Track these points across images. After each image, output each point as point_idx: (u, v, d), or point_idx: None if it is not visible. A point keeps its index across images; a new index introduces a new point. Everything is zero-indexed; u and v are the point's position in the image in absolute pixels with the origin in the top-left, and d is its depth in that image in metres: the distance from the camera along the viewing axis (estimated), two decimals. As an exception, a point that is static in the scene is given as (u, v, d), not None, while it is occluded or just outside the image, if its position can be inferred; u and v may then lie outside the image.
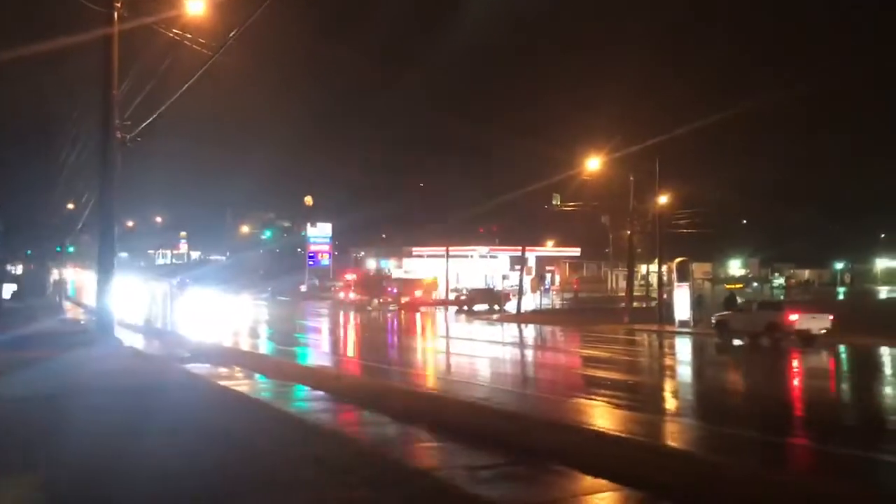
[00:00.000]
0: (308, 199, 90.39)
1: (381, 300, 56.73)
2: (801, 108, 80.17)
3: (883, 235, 79.80)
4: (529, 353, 29.00)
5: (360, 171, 79.88)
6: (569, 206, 47.48)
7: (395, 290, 58.52)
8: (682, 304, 36.87)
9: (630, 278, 43.85)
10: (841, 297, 63.72)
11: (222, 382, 13.93)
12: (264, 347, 28.10)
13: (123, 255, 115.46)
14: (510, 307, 51.87)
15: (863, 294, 63.62)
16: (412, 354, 27.84)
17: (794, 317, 26.33)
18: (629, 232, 46.33)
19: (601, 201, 48.69)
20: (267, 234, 77.18)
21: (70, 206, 45.03)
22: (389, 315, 49.95)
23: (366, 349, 29.08)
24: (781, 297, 57.81)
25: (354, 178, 79.53)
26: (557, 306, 55.22)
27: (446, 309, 56.27)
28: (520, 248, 70.57)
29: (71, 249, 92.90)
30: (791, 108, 78.49)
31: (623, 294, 51.78)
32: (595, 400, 15.55)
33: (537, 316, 46.02)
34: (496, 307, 53.77)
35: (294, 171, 76.37)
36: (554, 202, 56.33)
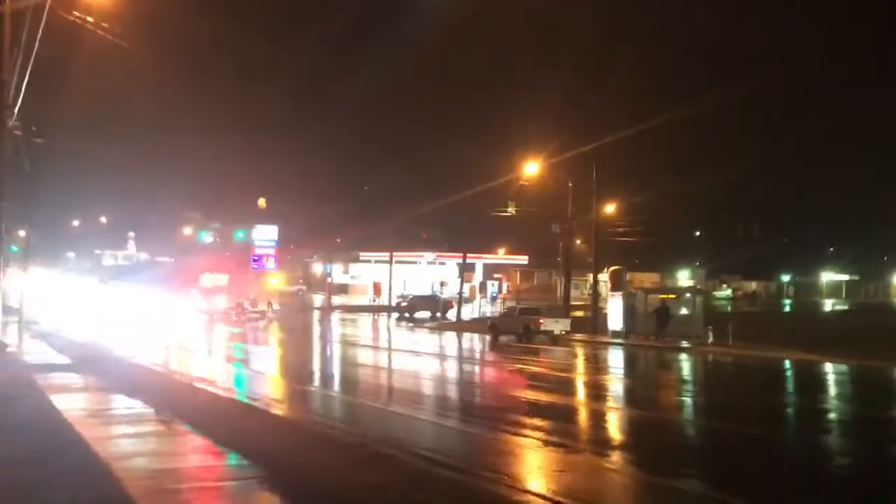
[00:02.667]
0: (262, 202, 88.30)
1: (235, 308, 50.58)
2: (755, 120, 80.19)
3: (832, 249, 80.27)
4: (438, 364, 27.67)
5: (310, 174, 78.05)
6: (506, 212, 46.51)
7: (251, 297, 53.86)
8: (615, 314, 36.14)
9: (567, 287, 43.04)
10: (787, 308, 63.85)
11: (54, 396, 12.57)
12: (146, 354, 25.70)
13: (71, 254, 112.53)
14: (452, 315, 50.93)
15: (802, 306, 63.73)
16: (286, 366, 25.94)
17: (542, 321, 33.54)
18: (573, 240, 45.78)
19: (550, 208, 47.86)
20: (201, 236, 75.11)
21: None
22: (251, 324, 45.22)
23: (239, 359, 27.28)
24: (729, 309, 57.76)
25: (305, 180, 77.77)
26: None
27: (389, 316, 55.12)
28: (473, 255, 69.80)
29: (14, 249, 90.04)
30: (744, 120, 78.45)
31: (572, 301, 51.21)
32: (480, 424, 14.15)
33: (475, 325, 44.93)
34: (438, 314, 52.77)
35: (241, 172, 74.27)
36: (509, 209, 55.41)
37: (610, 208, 50.93)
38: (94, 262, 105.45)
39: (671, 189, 65.85)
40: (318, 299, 68.37)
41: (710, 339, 30.90)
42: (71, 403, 12.15)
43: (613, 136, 40.27)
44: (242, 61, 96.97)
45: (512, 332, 34.19)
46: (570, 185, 41.44)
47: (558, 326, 33.89)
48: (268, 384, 20.20)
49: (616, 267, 37.49)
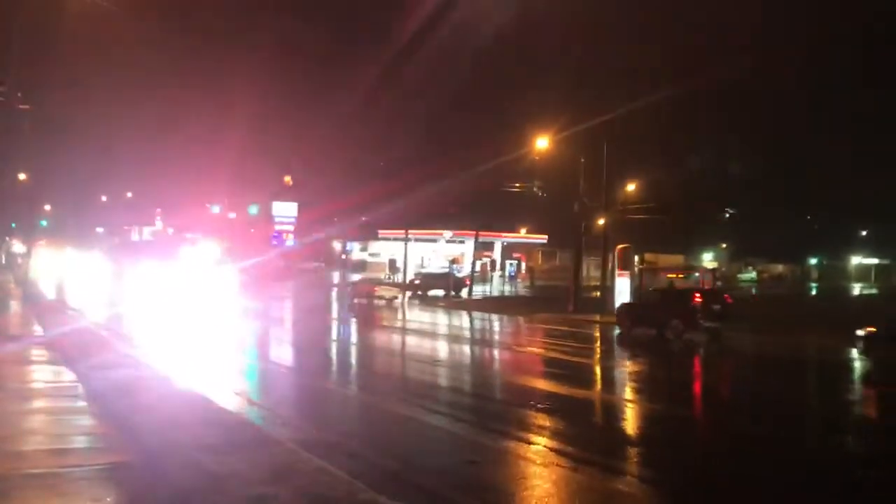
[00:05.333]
0: (287, 179, 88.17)
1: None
2: (786, 99, 77.58)
3: (864, 233, 77.84)
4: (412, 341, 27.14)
5: (329, 150, 77.48)
6: (515, 188, 45.67)
7: None
8: (622, 294, 35.13)
9: (577, 265, 42.01)
10: (813, 292, 62.14)
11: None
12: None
13: (99, 230, 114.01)
14: (465, 293, 50.41)
15: (826, 290, 61.91)
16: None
17: (377, 289, 45.66)
18: (590, 219, 44.71)
19: (574, 188, 46.95)
20: (215, 209, 75.48)
21: None
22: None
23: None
24: (753, 291, 56.38)
25: (324, 157, 77.16)
26: (514, 293, 53.41)
27: (403, 293, 54.73)
28: (489, 233, 69.04)
29: (43, 223, 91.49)
30: (774, 99, 76.00)
31: (593, 282, 50.29)
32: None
33: (484, 302, 44.44)
34: (452, 293, 52.17)
35: (260, 147, 73.92)
36: (534, 188, 54.56)
37: (632, 187, 49.79)
38: (122, 237, 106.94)
39: (699, 169, 64.31)
40: (336, 276, 68.23)
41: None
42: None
43: (633, 109, 39.38)
44: (263, 37, 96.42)
45: (361, 296, 43.45)
46: (582, 161, 40.40)
47: (388, 293, 45.56)
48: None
49: (623, 245, 36.30)
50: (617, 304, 34.82)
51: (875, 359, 19.24)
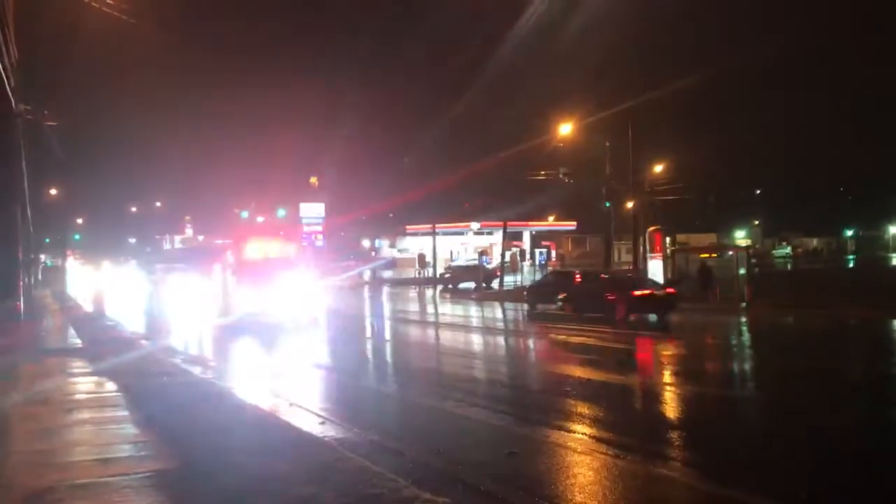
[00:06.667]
0: (313, 180, 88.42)
1: None
2: (807, 67, 76.03)
3: (901, 200, 76.20)
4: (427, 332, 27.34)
5: (355, 150, 77.56)
6: (541, 175, 45.29)
7: None
8: (655, 276, 34.80)
9: (608, 251, 41.78)
10: (850, 265, 61.13)
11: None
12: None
13: (132, 240, 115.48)
14: (496, 284, 50.32)
15: (864, 262, 60.77)
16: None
17: (361, 276, 56.69)
18: (619, 203, 44.44)
19: (602, 172, 46.66)
20: (244, 214, 75.88)
21: None
22: None
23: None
24: (789, 267, 55.59)
25: (350, 156, 77.28)
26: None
27: (434, 287, 54.93)
28: (517, 223, 68.76)
29: (77, 237, 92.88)
30: (803, 71, 74.52)
31: (625, 266, 49.95)
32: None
33: (516, 293, 44.14)
34: (483, 285, 52.13)
35: (287, 150, 74.10)
36: (561, 176, 54.25)
37: (659, 168, 49.24)
38: (154, 247, 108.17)
39: (729, 146, 63.26)
40: (367, 274, 68.53)
41: (744, 301, 29.98)
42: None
43: (660, 89, 39.09)
44: (288, 44, 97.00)
45: (354, 282, 54.47)
46: (607, 144, 40.09)
47: (351, 283, 55.39)
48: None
49: (654, 227, 36.01)
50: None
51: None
